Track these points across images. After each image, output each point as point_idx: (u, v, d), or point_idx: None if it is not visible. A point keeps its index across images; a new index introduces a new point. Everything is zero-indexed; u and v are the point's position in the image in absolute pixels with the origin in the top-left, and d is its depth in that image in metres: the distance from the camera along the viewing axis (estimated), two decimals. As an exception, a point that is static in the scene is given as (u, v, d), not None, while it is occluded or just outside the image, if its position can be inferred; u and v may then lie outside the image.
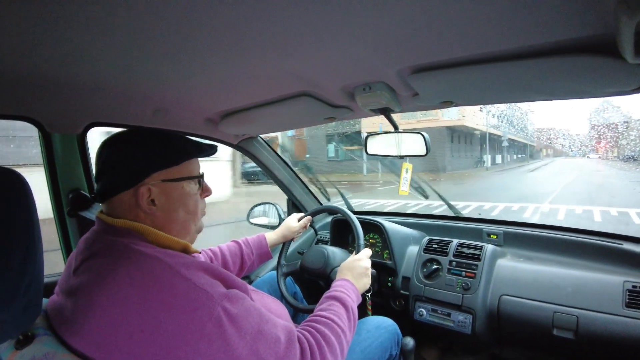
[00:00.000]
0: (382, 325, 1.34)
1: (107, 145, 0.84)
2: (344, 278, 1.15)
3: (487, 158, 29.14)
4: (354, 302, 1.06)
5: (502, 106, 33.37)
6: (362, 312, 1.20)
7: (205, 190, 0.95)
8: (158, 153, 0.84)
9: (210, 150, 0.94)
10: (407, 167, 1.47)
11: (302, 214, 1.67)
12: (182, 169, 0.87)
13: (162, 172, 0.83)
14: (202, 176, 0.94)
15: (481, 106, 23.72)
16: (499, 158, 31.47)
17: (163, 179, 0.84)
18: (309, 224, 1.69)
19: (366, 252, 1.30)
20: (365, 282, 1.20)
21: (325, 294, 1.06)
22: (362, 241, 1.39)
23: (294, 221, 1.62)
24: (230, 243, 1.46)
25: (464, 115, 22.27)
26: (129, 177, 0.81)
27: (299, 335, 0.84)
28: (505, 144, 28.78)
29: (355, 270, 1.19)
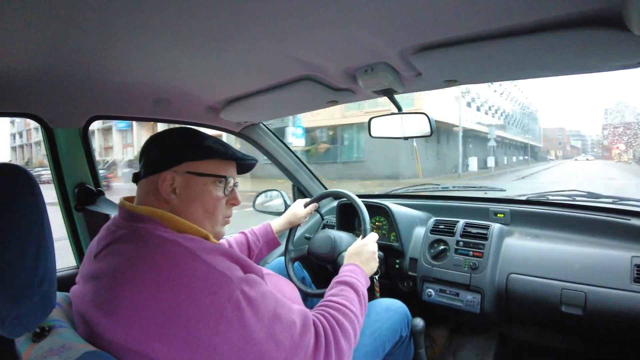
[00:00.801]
0: (392, 307, 1.35)
1: (152, 138, 0.90)
2: (352, 263, 1.15)
3: (472, 161, 24.86)
4: (364, 286, 1.06)
5: (495, 101, 31.50)
6: (371, 294, 1.21)
7: (233, 199, 0.96)
8: (191, 144, 0.87)
9: (248, 158, 0.96)
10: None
11: (308, 199, 1.67)
12: (210, 166, 0.88)
13: (190, 164, 0.85)
14: (227, 179, 0.92)
15: (461, 100, 21.88)
16: (491, 161, 27.75)
17: (189, 170, 0.85)
18: (314, 209, 1.69)
19: (373, 237, 1.30)
20: (373, 266, 1.20)
21: (335, 279, 1.07)
22: (368, 225, 1.39)
23: (299, 207, 1.62)
24: (236, 234, 1.47)
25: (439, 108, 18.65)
26: (159, 161, 0.84)
27: (314, 319, 0.85)
28: (492, 143, 25.47)
29: (363, 254, 1.20)
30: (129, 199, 0.88)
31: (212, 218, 0.91)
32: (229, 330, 0.68)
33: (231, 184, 0.93)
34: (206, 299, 0.69)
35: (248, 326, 0.70)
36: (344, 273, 1.09)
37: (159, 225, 0.80)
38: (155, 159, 0.85)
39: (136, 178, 0.88)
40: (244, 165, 0.98)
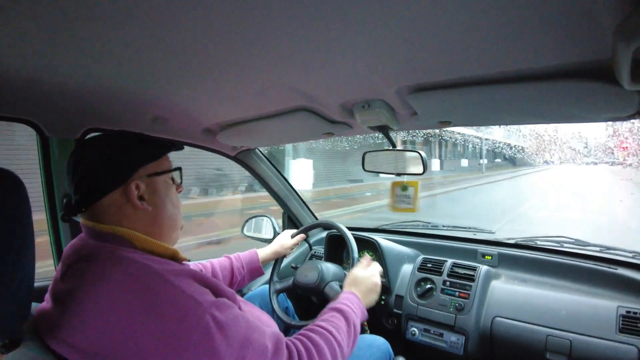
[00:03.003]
0: (374, 344, 1.32)
1: (85, 151, 0.82)
2: (351, 292, 1.12)
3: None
4: (357, 317, 1.03)
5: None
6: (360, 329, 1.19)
7: (179, 186, 0.95)
8: (139, 150, 0.84)
9: (179, 145, 0.95)
10: (403, 184, 1.47)
11: (296, 230, 1.67)
12: (161, 163, 0.88)
13: (146, 167, 0.84)
14: (180, 169, 0.95)
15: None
16: (436, 164, 22.92)
17: (148, 173, 0.84)
18: (302, 240, 1.68)
19: (377, 268, 1.28)
20: (373, 299, 1.17)
21: (329, 305, 1.04)
22: (356, 254, 1.39)
23: (287, 238, 1.61)
24: (221, 258, 1.44)
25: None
26: (116, 176, 0.80)
27: (288, 343, 0.83)
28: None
29: (365, 284, 1.17)
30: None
31: (179, 210, 0.91)
32: (196, 356, 0.67)
33: (179, 170, 0.94)
34: (174, 324, 0.67)
35: (217, 352, 0.68)
36: (340, 300, 1.06)
37: (125, 245, 0.78)
38: (110, 178, 0.80)
39: (87, 203, 0.80)
40: None
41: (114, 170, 0.80)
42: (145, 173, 0.84)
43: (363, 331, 1.38)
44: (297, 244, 1.64)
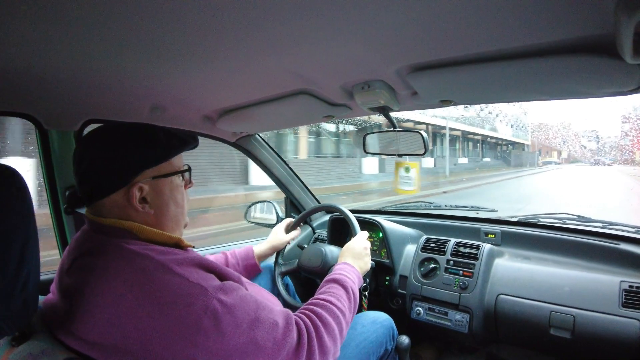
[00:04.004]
0: (378, 320, 1.35)
1: (89, 146, 0.81)
2: (343, 262, 1.17)
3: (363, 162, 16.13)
4: (354, 283, 1.07)
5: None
6: (358, 308, 1.21)
7: (188, 183, 0.94)
8: (147, 151, 0.81)
9: (194, 143, 0.92)
10: (406, 165, 1.47)
11: (290, 221, 1.67)
12: (170, 163, 0.86)
13: (152, 169, 0.82)
14: (189, 169, 0.93)
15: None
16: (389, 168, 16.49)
17: (154, 175, 0.82)
18: (300, 228, 1.69)
19: (363, 234, 1.34)
20: (366, 261, 1.23)
21: (326, 278, 1.07)
22: (358, 228, 1.42)
23: (282, 232, 1.61)
24: (218, 254, 1.45)
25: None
26: (119, 178, 0.78)
27: (296, 318, 0.84)
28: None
29: (354, 250, 1.23)
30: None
31: (183, 210, 0.91)
32: (207, 340, 0.68)
33: (188, 171, 0.93)
34: (182, 311, 0.67)
35: (227, 334, 0.69)
36: (334, 271, 1.10)
37: (129, 237, 0.77)
38: (112, 179, 0.78)
39: (90, 200, 0.80)
40: None
41: (117, 172, 0.78)
42: (151, 175, 0.81)
43: (361, 308, 1.41)
44: (294, 238, 1.65)
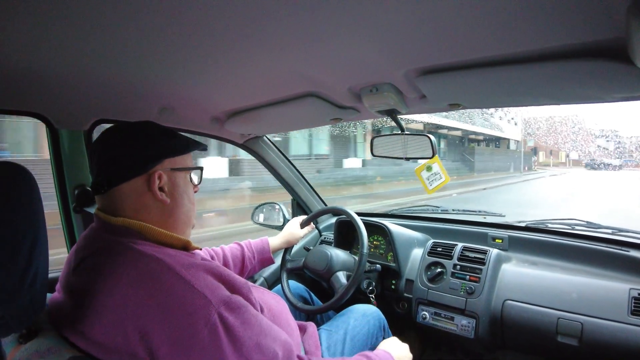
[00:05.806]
0: (368, 312, 1.37)
1: (113, 136, 0.84)
2: (389, 352, 1.10)
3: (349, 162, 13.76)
4: None
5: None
6: None
7: (195, 185, 0.96)
8: (168, 140, 0.86)
9: (203, 146, 0.96)
10: (427, 165, 1.46)
11: (304, 217, 1.67)
12: (186, 159, 0.90)
13: (171, 160, 0.85)
14: (202, 169, 0.96)
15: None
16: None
17: (172, 167, 0.85)
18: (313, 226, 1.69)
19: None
20: None
21: (363, 352, 1.05)
22: (365, 240, 1.42)
23: (296, 227, 1.62)
24: (232, 245, 1.44)
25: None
26: (142, 163, 0.81)
27: (301, 356, 0.84)
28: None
29: (402, 354, 1.16)
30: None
31: (194, 208, 0.92)
32: (202, 355, 0.67)
33: (201, 169, 0.96)
34: (182, 319, 0.67)
35: (223, 354, 0.68)
36: (375, 352, 1.07)
37: (137, 238, 0.78)
38: (137, 163, 0.81)
39: (108, 185, 0.81)
40: None
41: (142, 157, 0.81)
42: (170, 166, 0.85)
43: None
44: (307, 233, 1.67)
